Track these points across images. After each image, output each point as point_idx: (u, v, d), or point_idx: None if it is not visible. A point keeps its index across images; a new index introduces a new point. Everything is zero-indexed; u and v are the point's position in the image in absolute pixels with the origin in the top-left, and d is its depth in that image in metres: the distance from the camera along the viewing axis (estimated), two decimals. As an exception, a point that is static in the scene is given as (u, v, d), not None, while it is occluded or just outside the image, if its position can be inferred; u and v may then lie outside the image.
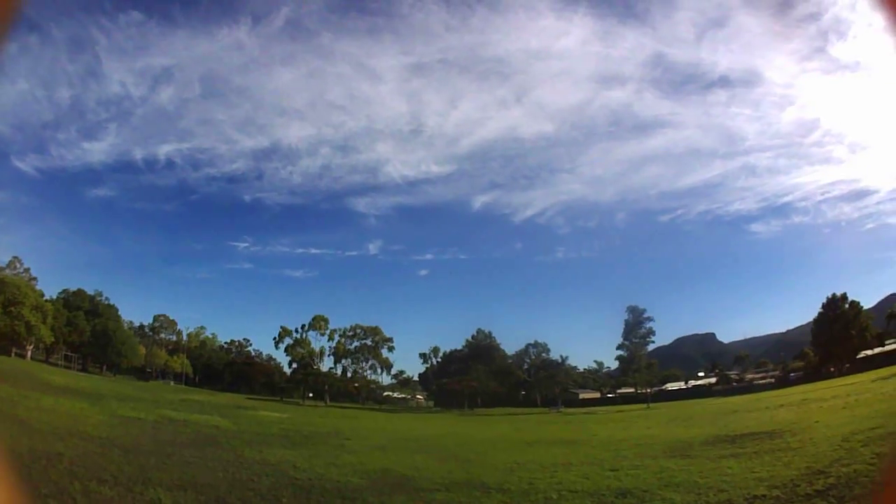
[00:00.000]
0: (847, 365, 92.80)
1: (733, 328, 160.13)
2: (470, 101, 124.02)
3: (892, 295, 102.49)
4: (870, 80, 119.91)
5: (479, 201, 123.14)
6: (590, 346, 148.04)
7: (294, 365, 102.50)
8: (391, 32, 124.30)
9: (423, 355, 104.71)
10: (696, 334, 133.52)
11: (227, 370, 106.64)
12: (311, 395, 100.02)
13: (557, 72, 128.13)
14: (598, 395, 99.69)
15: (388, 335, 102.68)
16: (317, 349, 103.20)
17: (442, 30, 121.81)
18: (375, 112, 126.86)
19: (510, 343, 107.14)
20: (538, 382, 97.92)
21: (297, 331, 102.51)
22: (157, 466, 24.32)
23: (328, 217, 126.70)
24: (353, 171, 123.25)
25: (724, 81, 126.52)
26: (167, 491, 20.13)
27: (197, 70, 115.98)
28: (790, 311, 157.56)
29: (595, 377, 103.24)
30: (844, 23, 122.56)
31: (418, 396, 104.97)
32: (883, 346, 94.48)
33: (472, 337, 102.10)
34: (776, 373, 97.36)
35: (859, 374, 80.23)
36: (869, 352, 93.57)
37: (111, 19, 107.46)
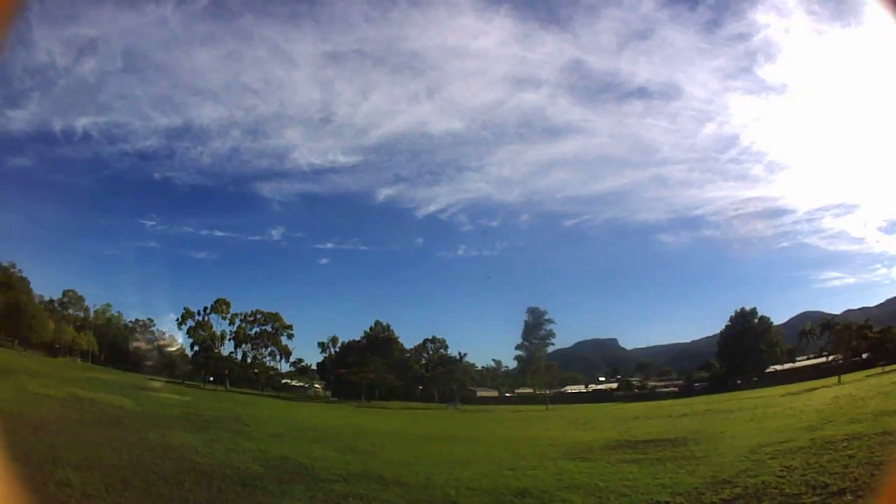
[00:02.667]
0: (755, 379, 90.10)
1: (636, 335, 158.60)
2: (382, 94, 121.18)
3: (803, 313, 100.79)
4: (795, 102, 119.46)
5: (383, 194, 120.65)
6: (489, 344, 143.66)
7: (196, 347, 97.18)
8: (311, 19, 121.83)
9: (321, 344, 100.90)
10: (598, 339, 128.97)
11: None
12: (211, 378, 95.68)
13: (472, 70, 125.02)
14: (496, 393, 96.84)
15: (287, 322, 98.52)
16: (218, 333, 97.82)
17: (361, 20, 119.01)
18: (287, 98, 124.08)
19: (409, 337, 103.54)
20: (436, 378, 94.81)
21: (199, 313, 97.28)
22: (66, 446, 24.53)
23: (234, 200, 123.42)
24: (262, 155, 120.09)
25: (641, 93, 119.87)
26: (76, 471, 20.17)
27: (120, 43, 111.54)
28: (696, 322, 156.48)
29: (493, 376, 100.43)
30: (775, 45, 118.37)
31: (316, 385, 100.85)
32: (794, 362, 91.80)
33: (371, 329, 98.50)
34: (680, 382, 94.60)
35: (768, 388, 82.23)
36: (779, 367, 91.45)
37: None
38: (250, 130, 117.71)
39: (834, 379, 70.81)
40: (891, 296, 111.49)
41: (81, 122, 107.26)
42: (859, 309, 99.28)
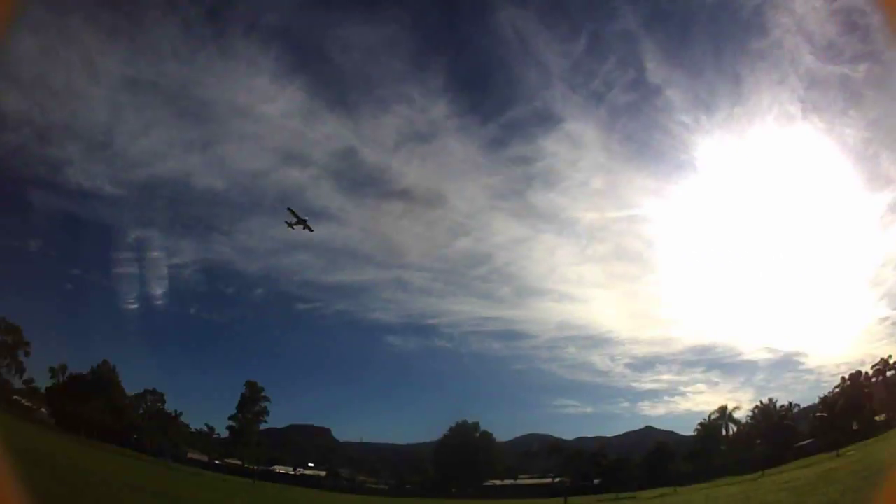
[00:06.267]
0: (471, 490, 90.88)
1: (351, 429, 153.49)
2: (161, 133, 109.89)
3: (530, 434, 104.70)
4: (562, 232, 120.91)
5: (134, 234, 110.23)
6: (206, 407, 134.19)
7: None
8: (128, 37, 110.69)
9: (52, 370, 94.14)
10: (312, 426, 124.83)
11: None
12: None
13: (251, 133, 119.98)
14: (206, 458, 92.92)
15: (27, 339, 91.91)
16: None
17: (169, 53, 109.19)
18: (81, 110, 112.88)
19: (132, 382, 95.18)
20: (149, 429, 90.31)
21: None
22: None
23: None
24: (43, 161, 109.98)
25: (404, 194, 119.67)
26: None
27: None
28: (414, 426, 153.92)
29: (206, 440, 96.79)
30: (556, 175, 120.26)
31: (43, 410, 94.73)
32: (515, 479, 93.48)
33: (98, 366, 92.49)
34: (392, 482, 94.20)
35: (487, 500, 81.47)
36: (498, 482, 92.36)
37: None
38: (39, 133, 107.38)
39: (559, 500, 72.25)
40: (631, 429, 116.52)
41: None
42: (594, 437, 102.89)
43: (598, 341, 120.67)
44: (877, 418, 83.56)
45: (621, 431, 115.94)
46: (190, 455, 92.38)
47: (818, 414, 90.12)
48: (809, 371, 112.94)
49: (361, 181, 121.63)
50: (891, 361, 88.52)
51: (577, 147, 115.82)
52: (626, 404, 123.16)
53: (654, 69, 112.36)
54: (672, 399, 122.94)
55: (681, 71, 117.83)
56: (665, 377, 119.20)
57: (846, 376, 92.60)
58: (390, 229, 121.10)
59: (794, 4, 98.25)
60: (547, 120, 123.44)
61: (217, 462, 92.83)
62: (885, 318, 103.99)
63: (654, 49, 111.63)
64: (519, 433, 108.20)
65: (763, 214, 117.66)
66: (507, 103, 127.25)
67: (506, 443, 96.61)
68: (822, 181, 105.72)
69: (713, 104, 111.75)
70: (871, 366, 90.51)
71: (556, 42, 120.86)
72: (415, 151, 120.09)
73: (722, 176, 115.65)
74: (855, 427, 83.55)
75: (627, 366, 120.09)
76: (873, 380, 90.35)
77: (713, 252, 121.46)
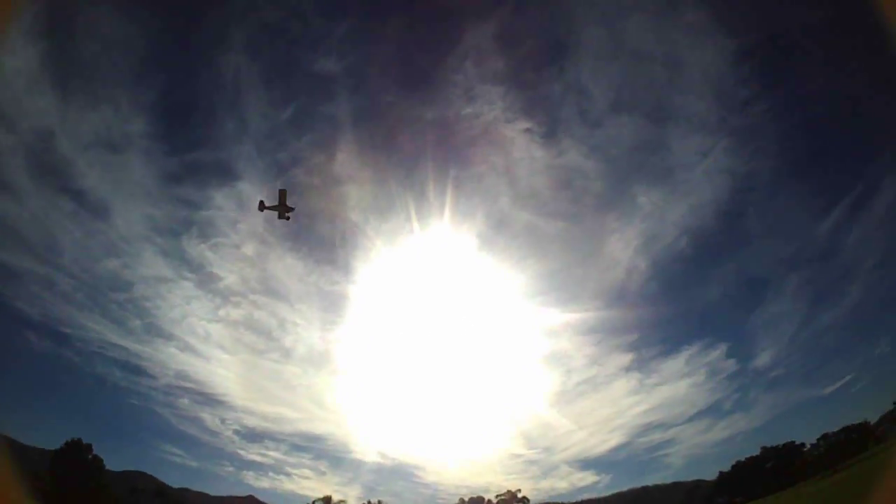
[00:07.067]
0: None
1: None
2: None
3: (138, 471, 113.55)
4: (200, 286, 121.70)
5: None
6: None
7: None
8: None
9: None
10: None
11: None
12: None
13: None
14: None
15: None
16: None
17: None
18: None
19: None
20: None
21: None
22: None
23: None
24: None
25: (79, 196, 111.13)
26: None
27: None
28: (38, 430, 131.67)
29: None
30: (214, 228, 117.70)
31: None
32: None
33: None
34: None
35: None
36: None
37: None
38: None
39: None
40: (235, 493, 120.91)
41: None
42: (198, 492, 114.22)
43: (211, 400, 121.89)
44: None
45: (224, 493, 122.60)
46: None
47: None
48: (426, 485, 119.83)
49: (47, 168, 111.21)
50: (519, 495, 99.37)
51: (243, 210, 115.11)
52: (231, 468, 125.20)
53: (345, 160, 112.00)
54: (277, 476, 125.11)
55: (370, 172, 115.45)
56: (272, 454, 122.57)
57: (467, 498, 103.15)
58: (55, 226, 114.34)
59: (512, 147, 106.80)
60: (226, 174, 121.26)
61: None
62: (519, 455, 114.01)
63: (351, 142, 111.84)
64: (127, 467, 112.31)
65: (423, 333, 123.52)
66: (197, 143, 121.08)
67: (114, 473, 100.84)
68: (490, 316, 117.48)
69: (391, 215, 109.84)
70: (496, 494, 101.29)
71: (264, 102, 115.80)
72: (101, 158, 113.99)
73: (377, 284, 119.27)
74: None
75: (236, 433, 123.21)
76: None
77: (349, 349, 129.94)
